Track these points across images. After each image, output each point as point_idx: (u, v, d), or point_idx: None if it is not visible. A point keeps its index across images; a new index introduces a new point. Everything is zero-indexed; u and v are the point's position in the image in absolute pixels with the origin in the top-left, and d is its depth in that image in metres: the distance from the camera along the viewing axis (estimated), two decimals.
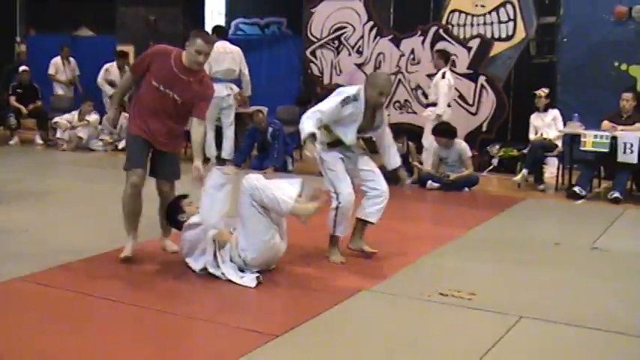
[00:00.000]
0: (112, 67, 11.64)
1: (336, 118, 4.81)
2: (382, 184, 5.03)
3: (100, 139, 11.18)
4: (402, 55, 10.67)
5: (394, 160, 5.18)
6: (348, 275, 4.73)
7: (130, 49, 12.54)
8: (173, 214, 4.81)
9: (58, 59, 12.57)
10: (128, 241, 4.87)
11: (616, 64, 9.17)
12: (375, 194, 5.02)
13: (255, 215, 4.43)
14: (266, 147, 9.49)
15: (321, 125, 4.75)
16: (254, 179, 4.47)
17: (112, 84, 11.31)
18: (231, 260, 4.54)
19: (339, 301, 4.13)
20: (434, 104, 8.70)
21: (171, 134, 4.85)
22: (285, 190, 4.49)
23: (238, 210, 4.53)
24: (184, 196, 4.87)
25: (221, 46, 9.53)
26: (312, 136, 4.57)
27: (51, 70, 12.54)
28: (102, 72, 11.67)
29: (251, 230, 4.47)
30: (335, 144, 4.98)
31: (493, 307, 4.07)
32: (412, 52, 10.60)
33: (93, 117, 11.16)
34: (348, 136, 4.90)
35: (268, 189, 4.40)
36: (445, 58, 8.85)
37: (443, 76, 8.64)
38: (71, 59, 12.66)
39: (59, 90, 12.63)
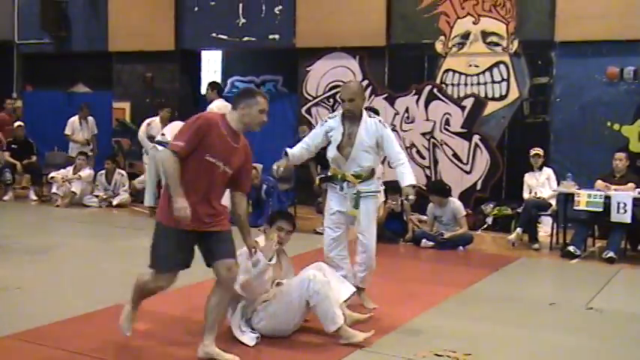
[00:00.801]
0: (154, 121, 10.83)
1: (320, 140, 5.27)
2: (369, 240, 5.28)
3: (95, 195, 11.26)
4: (397, 113, 10.87)
5: (401, 178, 5.14)
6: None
7: (126, 106, 12.75)
8: None
9: (75, 118, 12.03)
10: (127, 310, 4.40)
11: (608, 124, 9.37)
12: (360, 250, 5.32)
13: (295, 310, 4.52)
14: (260, 204, 9.57)
15: (308, 151, 5.33)
16: (319, 283, 4.43)
17: (151, 139, 10.56)
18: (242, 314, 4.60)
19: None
20: None
21: (216, 212, 4.16)
22: (337, 291, 4.64)
23: (287, 289, 4.58)
24: None
25: (221, 104, 9.71)
26: (286, 154, 5.27)
27: (67, 131, 12.00)
28: (143, 126, 10.88)
29: (281, 313, 4.54)
30: (330, 178, 5.33)
31: None
32: (406, 110, 10.80)
33: (86, 172, 11.26)
34: (330, 153, 5.25)
35: (327, 299, 4.42)
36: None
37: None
38: (90, 118, 12.11)
39: (75, 150, 11.89)
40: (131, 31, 12.47)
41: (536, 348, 4.60)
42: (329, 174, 5.35)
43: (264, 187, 9.50)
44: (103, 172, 11.46)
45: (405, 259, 7.19)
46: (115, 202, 11.17)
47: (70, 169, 11.37)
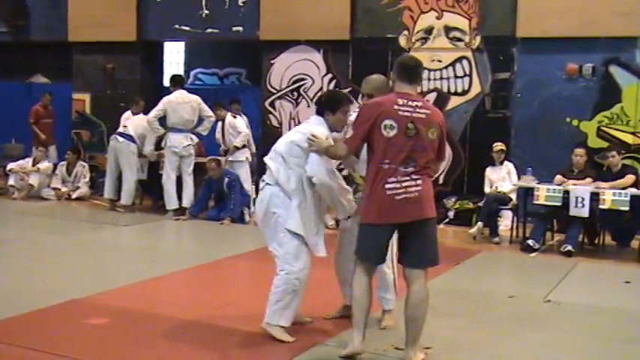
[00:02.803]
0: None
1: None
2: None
3: (52, 188, 11.05)
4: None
5: None
6: (302, 330, 4.74)
7: (86, 98, 12.53)
8: None
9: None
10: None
11: (568, 119, 9.49)
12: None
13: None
14: (223, 197, 9.50)
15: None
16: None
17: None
18: None
19: (293, 356, 4.14)
20: None
21: None
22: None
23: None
24: None
25: (179, 96, 9.65)
26: None
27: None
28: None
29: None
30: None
31: None
32: None
33: (45, 164, 11.06)
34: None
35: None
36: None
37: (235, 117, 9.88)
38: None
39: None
40: (92, 21, 12.22)
41: (495, 341, 4.64)
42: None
43: (226, 180, 9.41)
44: (64, 163, 11.26)
45: None
46: (74, 195, 10.98)
47: (29, 160, 11.15)
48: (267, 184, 4.61)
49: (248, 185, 9.61)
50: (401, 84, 4.21)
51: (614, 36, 9.17)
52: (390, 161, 4.07)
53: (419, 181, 4.09)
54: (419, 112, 4.10)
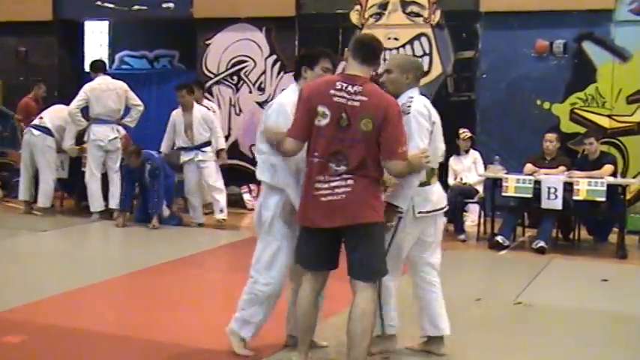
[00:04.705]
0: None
1: None
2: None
3: None
4: None
5: None
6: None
7: None
8: None
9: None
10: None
11: (538, 102, 9.67)
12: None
13: None
14: (145, 188, 9.22)
15: None
16: None
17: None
18: None
19: None
20: None
21: None
22: None
23: None
24: None
25: (103, 82, 9.51)
26: None
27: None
28: None
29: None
30: None
31: None
32: None
33: None
34: None
35: None
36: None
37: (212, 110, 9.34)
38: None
39: None
40: None
41: (461, 347, 4.71)
42: None
43: (147, 167, 9.00)
44: None
45: None
46: None
47: None
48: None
49: (220, 184, 9.25)
50: (352, 63, 4.09)
51: (587, 9, 9.37)
52: (320, 155, 3.95)
53: (349, 182, 3.92)
54: (353, 100, 3.94)
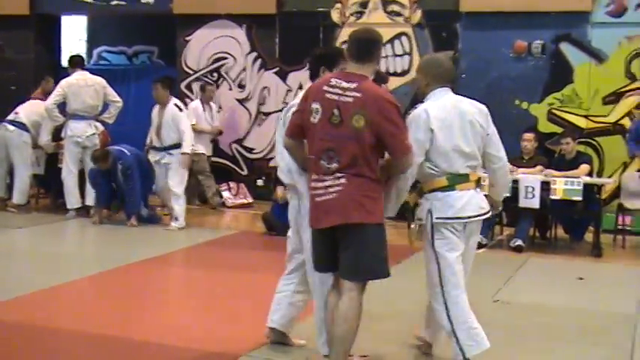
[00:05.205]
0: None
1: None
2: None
3: None
4: (289, 89, 10.89)
5: None
6: (225, 341, 4.76)
7: None
8: None
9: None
10: None
11: (516, 102, 9.75)
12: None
13: None
14: (122, 189, 9.11)
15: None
16: None
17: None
18: None
19: None
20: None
21: None
22: None
23: None
24: None
25: (80, 78, 9.46)
26: None
27: None
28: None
29: None
30: None
31: None
32: (300, 87, 10.81)
33: None
34: None
35: None
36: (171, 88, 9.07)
37: (180, 109, 8.89)
38: None
39: None
40: None
41: (440, 345, 4.74)
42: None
43: (120, 167, 8.89)
44: None
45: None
46: None
47: None
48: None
49: (179, 190, 8.88)
50: (349, 61, 4.07)
51: (565, 10, 9.46)
52: (314, 153, 3.94)
53: (342, 180, 3.87)
54: (347, 96, 3.88)
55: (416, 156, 4.08)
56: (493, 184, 4.51)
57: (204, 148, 10.43)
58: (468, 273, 4.44)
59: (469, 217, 4.23)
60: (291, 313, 4.61)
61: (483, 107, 4.35)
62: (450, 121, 4.19)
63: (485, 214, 4.31)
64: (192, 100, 10.95)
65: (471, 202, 4.22)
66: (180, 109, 8.97)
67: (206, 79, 11.20)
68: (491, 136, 4.32)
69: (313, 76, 4.39)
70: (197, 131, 10.03)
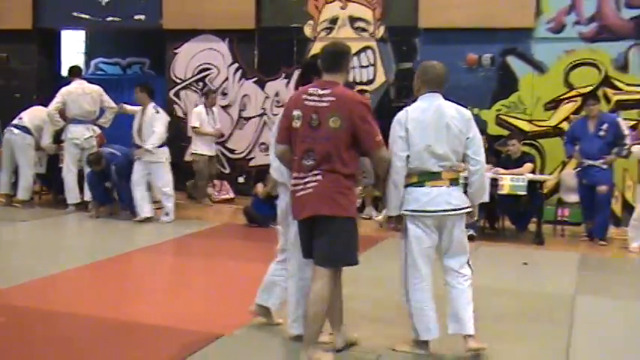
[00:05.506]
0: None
1: None
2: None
3: None
4: (267, 97, 10.86)
5: None
6: (208, 322, 4.73)
7: None
8: None
9: None
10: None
11: (469, 108, 9.72)
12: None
13: None
14: (117, 188, 9.02)
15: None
16: None
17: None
18: None
19: (186, 355, 4.13)
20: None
21: None
22: None
23: None
24: None
25: (79, 86, 9.37)
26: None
27: None
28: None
29: None
30: None
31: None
32: (277, 94, 10.81)
33: None
34: None
35: None
36: (149, 92, 8.88)
37: (157, 111, 8.77)
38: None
39: None
40: None
41: (396, 323, 4.75)
42: None
43: (113, 168, 8.78)
44: None
45: (262, 241, 7.18)
46: None
47: None
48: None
49: (170, 190, 8.81)
50: (323, 72, 4.08)
51: (511, 27, 9.53)
52: (297, 154, 3.97)
53: (318, 177, 3.91)
54: (323, 101, 3.92)
55: (400, 151, 4.12)
56: (470, 187, 4.30)
57: (207, 150, 10.24)
58: (462, 264, 4.31)
59: (434, 212, 4.14)
60: (284, 296, 4.54)
61: (466, 113, 4.26)
62: (426, 123, 4.15)
63: (458, 209, 4.17)
64: (180, 106, 10.88)
65: (439, 198, 4.14)
66: (158, 112, 8.85)
67: (193, 88, 11.13)
68: (471, 140, 4.22)
69: (304, 83, 4.32)
70: (201, 134, 10.10)
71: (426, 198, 4.14)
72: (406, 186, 4.19)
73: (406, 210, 4.17)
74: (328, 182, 3.90)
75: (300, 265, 4.25)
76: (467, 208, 4.24)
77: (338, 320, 4.27)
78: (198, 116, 10.11)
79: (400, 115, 4.21)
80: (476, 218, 4.53)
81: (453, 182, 4.20)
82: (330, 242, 3.93)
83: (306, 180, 3.93)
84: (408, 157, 4.13)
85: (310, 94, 3.97)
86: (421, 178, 4.16)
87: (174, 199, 8.93)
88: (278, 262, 4.61)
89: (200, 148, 10.13)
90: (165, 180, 8.81)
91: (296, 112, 3.97)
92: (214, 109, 10.47)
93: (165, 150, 8.88)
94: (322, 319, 4.02)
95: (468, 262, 4.34)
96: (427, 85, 4.27)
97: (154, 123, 8.72)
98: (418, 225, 4.18)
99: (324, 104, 3.92)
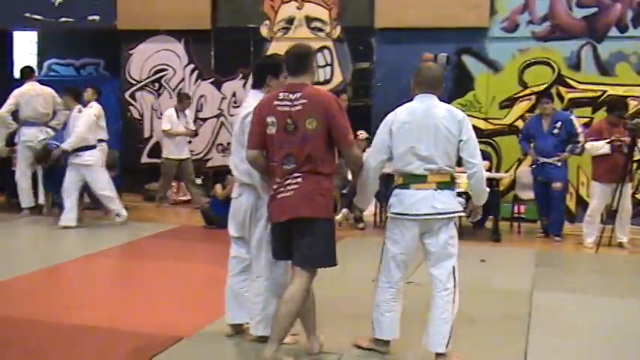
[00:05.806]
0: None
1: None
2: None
3: None
4: (224, 97, 10.78)
5: None
6: (168, 326, 4.65)
7: None
8: None
9: None
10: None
11: None
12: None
13: None
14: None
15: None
16: None
17: None
18: None
19: (152, 355, 4.06)
20: None
21: None
22: None
23: None
24: None
25: (31, 88, 9.19)
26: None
27: None
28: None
29: None
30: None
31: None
32: (234, 94, 10.73)
33: None
34: None
35: None
36: (75, 95, 8.57)
37: (80, 111, 8.42)
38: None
39: None
40: None
41: (358, 321, 4.74)
42: None
43: (60, 156, 8.46)
44: None
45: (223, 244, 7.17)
46: None
47: None
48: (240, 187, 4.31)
49: (108, 192, 8.57)
50: (288, 76, 4.03)
51: (466, 26, 9.62)
52: (276, 159, 3.94)
53: (298, 179, 3.89)
54: (296, 105, 3.89)
55: (377, 151, 4.14)
56: (470, 189, 4.29)
57: (178, 154, 9.98)
58: (448, 274, 4.20)
59: (416, 215, 4.07)
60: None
61: (458, 114, 4.13)
62: (412, 124, 4.08)
63: (443, 214, 4.09)
64: (136, 108, 10.72)
65: (423, 202, 4.06)
66: (80, 111, 8.43)
67: (149, 89, 10.98)
68: (465, 142, 4.12)
69: (259, 84, 4.29)
70: (172, 135, 9.89)
71: (410, 200, 4.08)
72: (394, 188, 4.19)
73: (392, 213, 4.16)
74: (308, 184, 3.89)
75: (268, 265, 4.20)
76: (454, 212, 4.15)
77: (312, 324, 4.23)
78: (168, 119, 9.93)
79: (388, 116, 4.18)
80: (478, 218, 4.59)
81: (442, 185, 4.11)
82: (310, 243, 3.92)
83: (287, 182, 3.90)
84: (388, 158, 4.14)
85: (281, 100, 3.92)
86: (406, 180, 4.11)
87: (117, 199, 8.70)
88: (240, 272, 4.46)
89: (171, 152, 9.94)
90: (101, 183, 8.51)
91: (270, 119, 3.92)
92: (187, 112, 10.25)
93: (95, 152, 8.49)
94: (293, 319, 3.99)
95: (453, 273, 4.23)
96: (420, 86, 4.20)
97: (75, 123, 8.35)
98: (398, 228, 4.16)
99: (298, 107, 3.88)
